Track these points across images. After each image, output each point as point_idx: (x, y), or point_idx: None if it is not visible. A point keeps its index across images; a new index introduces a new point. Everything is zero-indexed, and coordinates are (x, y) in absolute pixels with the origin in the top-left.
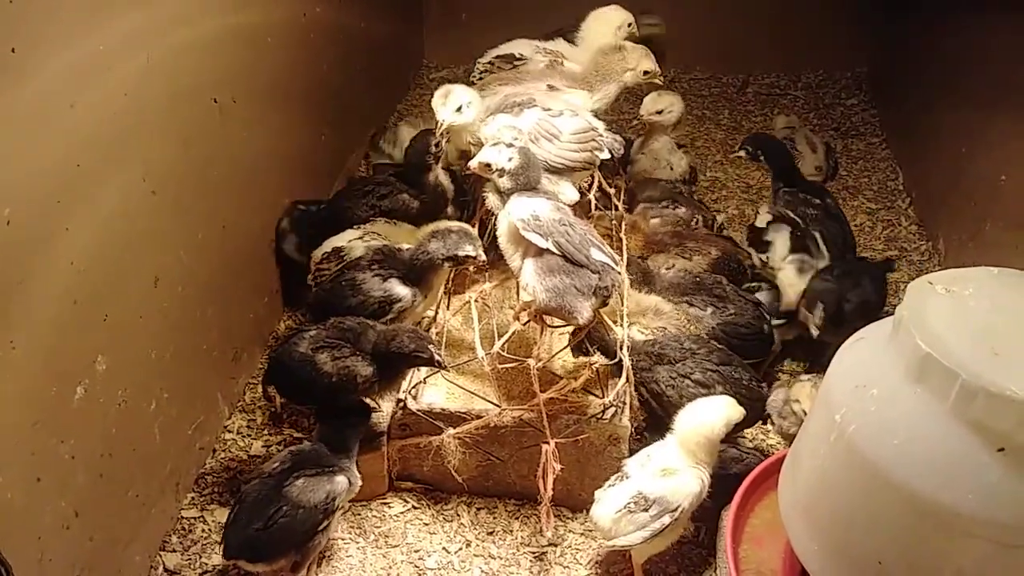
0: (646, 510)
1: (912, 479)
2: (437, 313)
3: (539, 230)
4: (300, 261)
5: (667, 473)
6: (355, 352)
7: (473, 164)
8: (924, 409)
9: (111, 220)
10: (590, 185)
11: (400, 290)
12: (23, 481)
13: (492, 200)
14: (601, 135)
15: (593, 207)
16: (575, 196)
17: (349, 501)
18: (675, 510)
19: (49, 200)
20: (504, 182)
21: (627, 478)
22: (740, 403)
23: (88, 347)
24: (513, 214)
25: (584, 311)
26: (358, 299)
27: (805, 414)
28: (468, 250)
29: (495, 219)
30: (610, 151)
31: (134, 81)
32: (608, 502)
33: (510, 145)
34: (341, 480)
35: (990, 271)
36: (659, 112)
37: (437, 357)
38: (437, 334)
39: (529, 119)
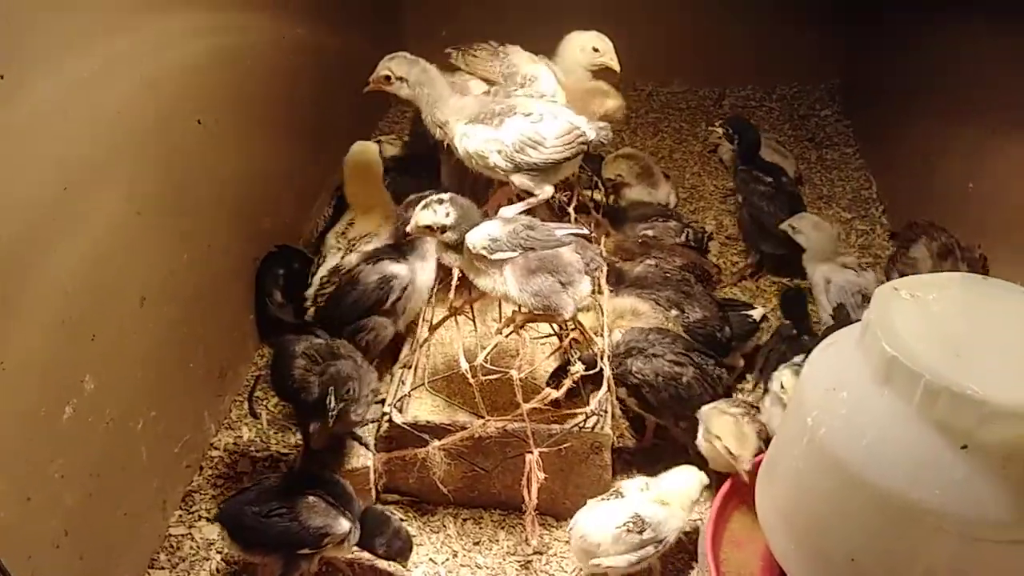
0: (640, 532)
1: (881, 478)
2: (421, 325)
3: (502, 247)
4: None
5: (664, 503)
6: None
7: (411, 228)
8: (891, 410)
9: (98, 241)
10: (569, 199)
11: (394, 268)
12: (13, 501)
13: (448, 258)
14: (584, 132)
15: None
16: (550, 191)
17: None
18: (660, 542)
19: (38, 221)
20: (450, 236)
21: (621, 497)
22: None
23: (76, 367)
24: (476, 246)
25: (568, 306)
26: (358, 290)
27: (729, 451)
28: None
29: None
30: (598, 138)
31: (122, 104)
32: (602, 517)
33: (441, 201)
34: (343, 524)
35: (952, 276)
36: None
37: (331, 414)
38: (423, 344)
39: (512, 132)
